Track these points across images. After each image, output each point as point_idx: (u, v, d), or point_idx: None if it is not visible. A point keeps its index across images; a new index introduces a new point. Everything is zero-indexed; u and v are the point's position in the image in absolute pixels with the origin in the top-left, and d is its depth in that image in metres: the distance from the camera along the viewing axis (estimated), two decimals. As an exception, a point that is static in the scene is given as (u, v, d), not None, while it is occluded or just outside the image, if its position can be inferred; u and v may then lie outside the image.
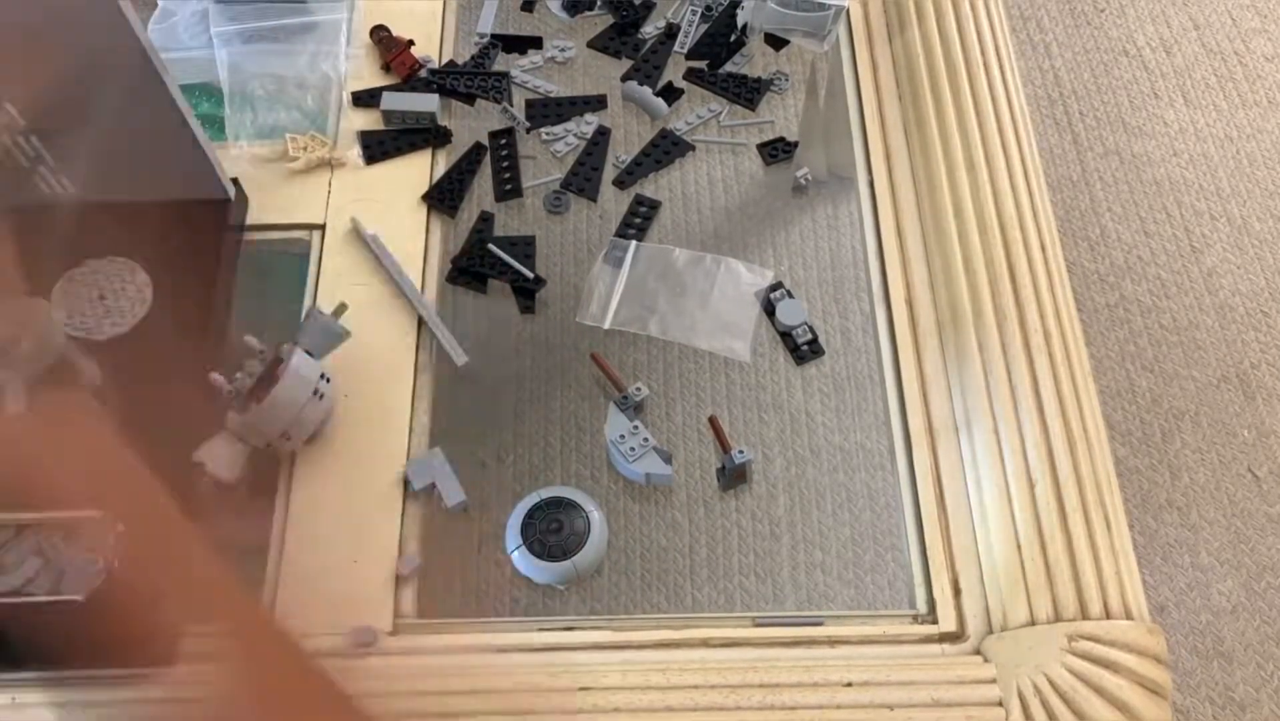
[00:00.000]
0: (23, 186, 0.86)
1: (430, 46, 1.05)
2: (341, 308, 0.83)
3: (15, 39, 0.73)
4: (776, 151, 1.00)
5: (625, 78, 1.04)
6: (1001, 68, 0.96)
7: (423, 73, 1.02)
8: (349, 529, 0.80)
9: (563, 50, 1.06)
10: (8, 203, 0.86)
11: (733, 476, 0.82)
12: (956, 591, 0.77)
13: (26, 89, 0.77)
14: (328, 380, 0.81)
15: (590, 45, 1.07)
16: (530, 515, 0.80)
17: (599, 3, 1.10)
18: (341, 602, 0.77)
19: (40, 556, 0.75)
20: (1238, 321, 1.66)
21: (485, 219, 0.95)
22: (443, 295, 0.92)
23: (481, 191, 0.98)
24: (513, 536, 0.79)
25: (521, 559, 0.78)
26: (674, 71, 1.05)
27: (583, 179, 0.98)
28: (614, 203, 0.98)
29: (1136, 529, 1.45)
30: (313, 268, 0.92)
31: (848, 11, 1.05)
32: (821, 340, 0.90)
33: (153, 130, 0.81)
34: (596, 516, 0.80)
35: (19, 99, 0.77)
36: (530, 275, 0.92)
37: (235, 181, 0.90)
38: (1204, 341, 1.64)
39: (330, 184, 0.96)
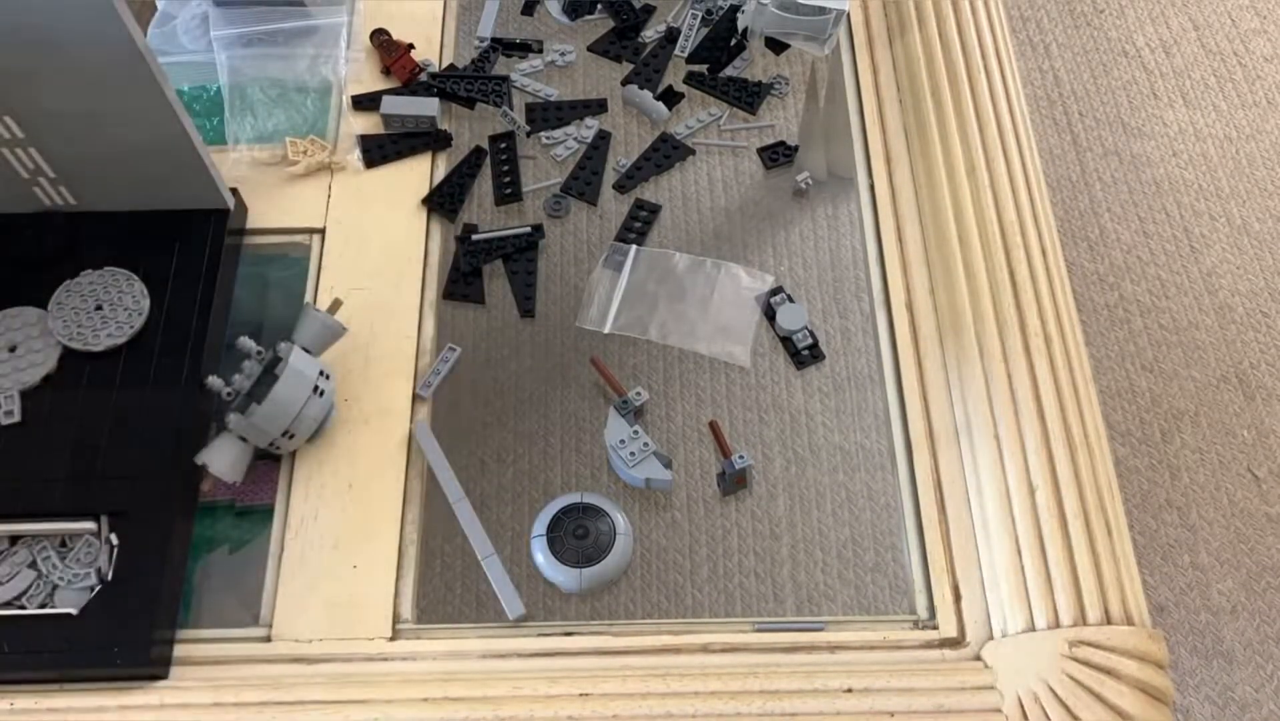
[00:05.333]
0: (22, 197, 0.86)
1: (430, 50, 1.05)
2: (336, 304, 0.83)
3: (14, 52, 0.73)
4: (777, 155, 1.00)
5: (625, 81, 1.04)
6: (1002, 72, 0.96)
7: (423, 76, 1.02)
8: (349, 532, 0.80)
9: (563, 54, 1.06)
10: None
11: (733, 482, 0.82)
12: (957, 596, 0.77)
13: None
14: (327, 376, 0.81)
15: (590, 49, 1.07)
16: (565, 512, 0.80)
17: (599, 7, 1.10)
18: (340, 607, 0.77)
19: (34, 570, 0.76)
20: (1237, 321, 1.65)
21: (470, 229, 0.95)
22: (441, 306, 0.92)
23: (481, 195, 0.98)
24: (540, 524, 0.80)
25: (540, 547, 0.79)
26: (674, 75, 1.05)
27: (583, 183, 0.98)
28: (614, 206, 0.98)
29: (1136, 529, 1.45)
30: (313, 271, 0.91)
31: (848, 15, 1.05)
32: (822, 342, 0.90)
33: (152, 143, 0.81)
34: (621, 541, 0.80)
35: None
36: (529, 229, 0.94)
37: (234, 191, 0.90)
38: (1203, 341, 1.63)
39: (330, 188, 0.96)
